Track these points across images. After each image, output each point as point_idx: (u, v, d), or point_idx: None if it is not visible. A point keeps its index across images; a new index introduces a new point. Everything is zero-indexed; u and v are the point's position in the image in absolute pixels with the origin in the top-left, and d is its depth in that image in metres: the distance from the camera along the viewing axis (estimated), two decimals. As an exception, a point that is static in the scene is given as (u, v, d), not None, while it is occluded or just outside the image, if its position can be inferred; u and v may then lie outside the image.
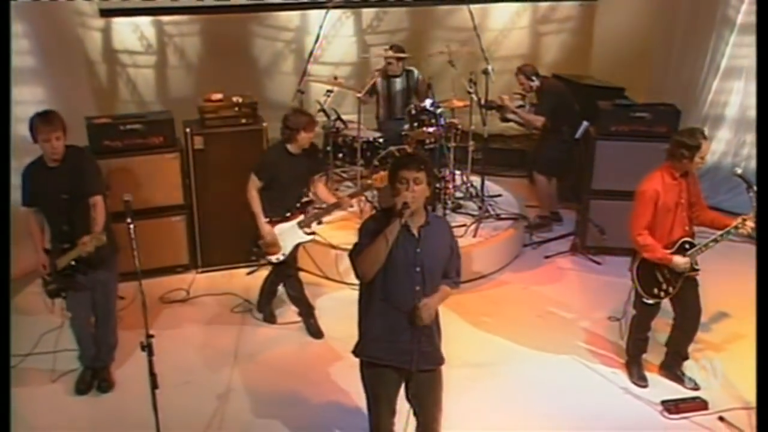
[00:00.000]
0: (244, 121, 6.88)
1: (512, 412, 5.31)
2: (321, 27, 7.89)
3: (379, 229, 3.90)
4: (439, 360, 4.20)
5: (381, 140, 7.54)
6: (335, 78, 8.06)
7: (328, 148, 7.67)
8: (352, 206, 7.01)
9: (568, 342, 6.11)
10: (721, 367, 5.43)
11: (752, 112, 8.34)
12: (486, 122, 7.77)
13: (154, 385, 4.34)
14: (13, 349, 5.27)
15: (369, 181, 6.26)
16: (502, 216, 7.62)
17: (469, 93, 7.56)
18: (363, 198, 7.42)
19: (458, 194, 7.80)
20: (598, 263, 7.32)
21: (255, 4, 9.20)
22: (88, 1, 8.50)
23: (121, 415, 5.30)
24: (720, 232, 5.17)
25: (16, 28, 6.83)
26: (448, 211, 7.43)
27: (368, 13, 9.80)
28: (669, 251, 5.21)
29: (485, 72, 7.56)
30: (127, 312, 6.03)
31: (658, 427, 5.17)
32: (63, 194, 5.00)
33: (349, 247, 6.68)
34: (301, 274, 6.55)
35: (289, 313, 6.43)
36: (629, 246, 5.49)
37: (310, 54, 8.04)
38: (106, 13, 8.54)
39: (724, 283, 6.47)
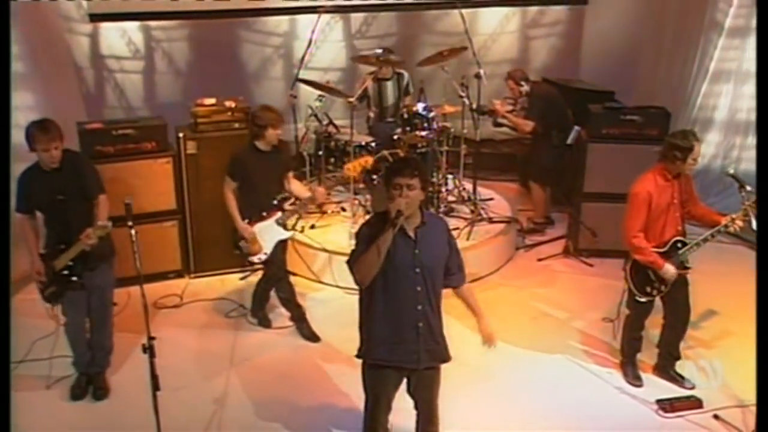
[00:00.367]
0: (237, 125, 6.96)
1: (508, 413, 5.41)
2: (313, 31, 7.99)
3: (375, 235, 3.99)
4: (445, 357, 4.33)
5: (373, 144, 7.65)
6: (327, 82, 8.18)
7: (320, 153, 7.76)
8: (327, 197, 7.15)
9: (563, 343, 6.23)
10: (720, 367, 5.63)
11: (741, 115, 8.55)
12: (478, 126, 7.89)
13: (155, 388, 4.41)
14: (7, 355, 5.33)
15: (343, 172, 6.36)
16: (495, 219, 7.75)
17: (461, 97, 7.67)
18: (356, 202, 7.54)
19: (451, 198, 7.91)
20: (591, 265, 7.46)
21: (243, 9, 9.21)
22: (76, 7, 8.51)
23: (117, 420, 5.36)
24: (710, 231, 5.32)
25: (6, 32, 6.89)
26: (440, 215, 7.53)
27: (357, 17, 9.85)
28: (661, 251, 5.35)
29: (477, 76, 7.67)
30: (120, 318, 6.08)
31: (654, 426, 5.28)
32: (60, 196, 5.08)
33: (342, 250, 6.91)
34: (295, 278, 6.65)
35: (283, 317, 6.51)
36: (621, 248, 5.64)
37: (303, 58, 8.12)
38: (96, 17, 8.56)
39: (713, 282, 6.62)
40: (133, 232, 4.40)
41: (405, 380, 4.34)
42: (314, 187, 6.62)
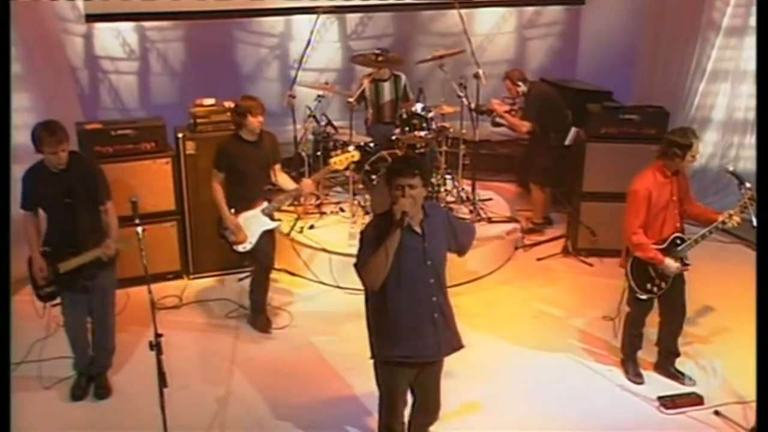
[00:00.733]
0: (236, 126, 7.06)
1: (509, 411, 5.51)
2: (312, 32, 8.06)
3: (379, 236, 4.09)
4: (459, 345, 4.45)
5: (371, 145, 7.75)
6: (326, 83, 8.27)
7: (319, 153, 7.87)
8: (314, 191, 7.31)
9: (563, 341, 6.35)
10: (721, 364, 5.71)
11: (739, 114, 8.66)
12: (477, 126, 8.00)
13: (163, 384, 4.51)
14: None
15: (329, 166, 6.50)
16: (494, 219, 7.87)
17: (460, 97, 7.78)
18: (355, 203, 7.65)
19: (450, 198, 8.01)
20: (590, 265, 7.59)
21: (238, 10, 9.27)
22: (70, 7, 8.59)
23: (119, 419, 5.44)
24: (709, 227, 5.43)
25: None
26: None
27: (353, 18, 9.94)
28: (660, 247, 5.47)
29: (476, 76, 7.78)
30: (119, 318, 6.09)
31: (655, 423, 5.41)
32: (67, 198, 5.16)
33: (341, 250, 7.01)
34: (296, 279, 6.75)
35: (283, 317, 6.66)
36: (620, 247, 5.78)
37: (301, 58, 8.20)
38: (92, 18, 8.62)
39: (709, 280, 6.74)
40: (139, 230, 4.50)
41: None
42: (301, 180, 6.69)
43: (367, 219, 7.27)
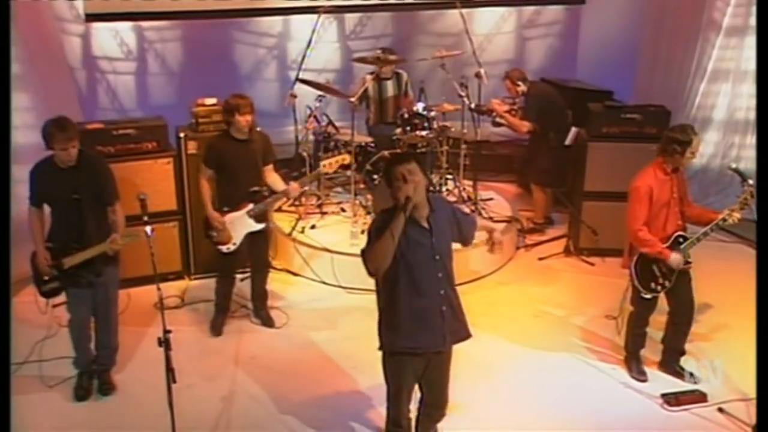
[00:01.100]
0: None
1: (512, 410, 5.60)
2: (313, 32, 8.17)
3: (385, 227, 4.20)
4: (467, 334, 4.59)
5: (372, 145, 7.86)
6: (327, 83, 8.37)
7: (320, 153, 7.96)
8: (303, 192, 7.45)
9: (566, 340, 6.45)
10: (723, 362, 5.85)
11: (740, 114, 8.77)
12: (478, 126, 8.11)
13: (171, 380, 4.58)
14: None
15: (319, 169, 6.61)
16: (496, 219, 7.98)
17: (461, 97, 7.88)
18: (356, 203, 7.75)
19: (451, 198, 8.09)
20: (592, 264, 7.70)
21: (237, 10, 9.29)
22: (68, 7, 8.64)
23: (123, 419, 5.51)
24: (711, 224, 5.52)
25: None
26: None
27: (352, 18, 10.03)
28: (664, 245, 5.57)
29: (477, 75, 7.89)
30: (121, 318, 6.16)
31: (659, 420, 5.49)
32: (75, 195, 5.24)
33: (343, 250, 7.11)
34: (297, 279, 6.84)
35: (286, 315, 6.76)
36: (622, 247, 5.88)
37: (303, 58, 8.29)
38: (91, 17, 8.67)
39: (711, 278, 6.77)
40: (148, 228, 4.59)
41: None
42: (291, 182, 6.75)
43: (369, 219, 7.38)
